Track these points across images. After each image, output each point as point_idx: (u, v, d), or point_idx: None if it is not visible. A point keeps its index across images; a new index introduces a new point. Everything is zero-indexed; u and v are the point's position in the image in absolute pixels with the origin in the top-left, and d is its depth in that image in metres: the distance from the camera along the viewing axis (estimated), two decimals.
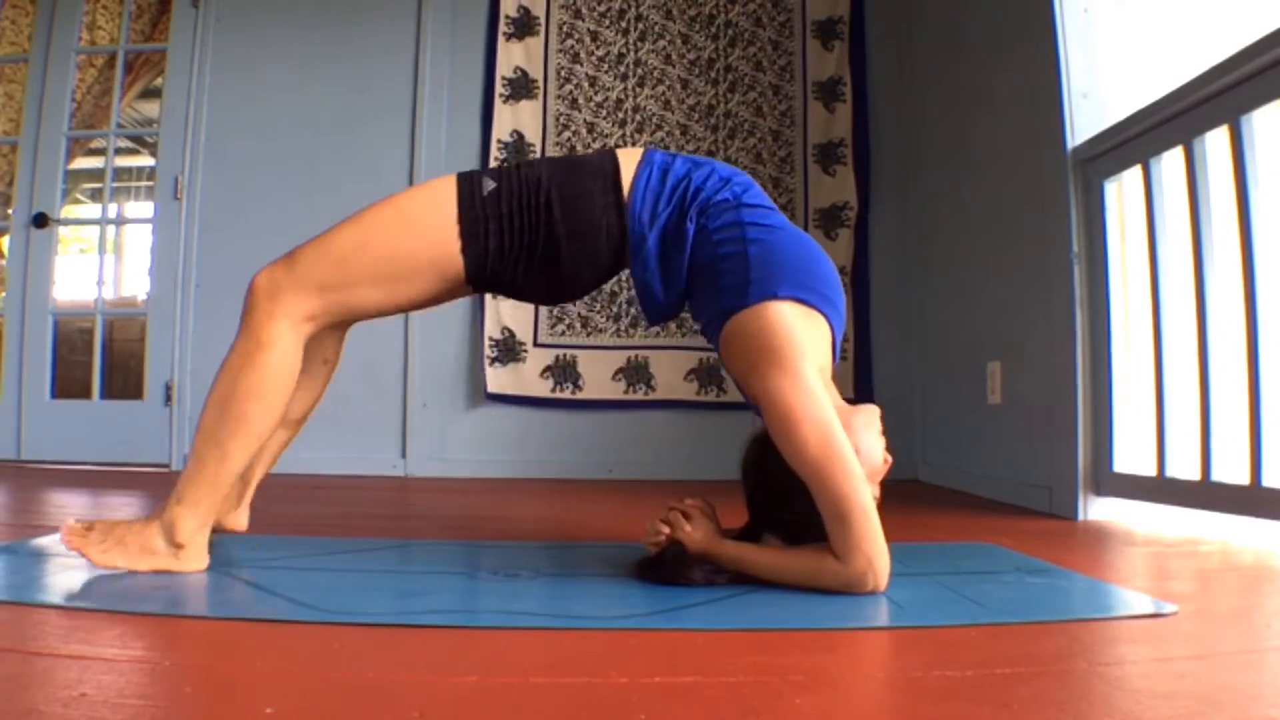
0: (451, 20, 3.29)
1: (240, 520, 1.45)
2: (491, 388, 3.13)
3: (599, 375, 3.17)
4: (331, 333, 1.45)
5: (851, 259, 3.22)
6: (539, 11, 3.28)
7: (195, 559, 1.25)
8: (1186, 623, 1.06)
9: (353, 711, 0.73)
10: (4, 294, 3.42)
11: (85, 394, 3.36)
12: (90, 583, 1.17)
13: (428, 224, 1.27)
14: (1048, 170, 2.22)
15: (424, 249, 1.27)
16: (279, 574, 1.26)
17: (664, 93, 3.28)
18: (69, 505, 2.15)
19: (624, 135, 3.25)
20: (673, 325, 3.15)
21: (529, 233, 1.27)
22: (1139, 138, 1.95)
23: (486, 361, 3.14)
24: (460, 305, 3.11)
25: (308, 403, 1.45)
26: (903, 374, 3.19)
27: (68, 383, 3.57)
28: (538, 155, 3.23)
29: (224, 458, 1.23)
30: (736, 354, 1.25)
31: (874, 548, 1.12)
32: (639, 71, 3.28)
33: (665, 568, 1.21)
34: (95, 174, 6.07)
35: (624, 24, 3.30)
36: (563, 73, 3.27)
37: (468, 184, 1.29)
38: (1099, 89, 2.15)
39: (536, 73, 3.26)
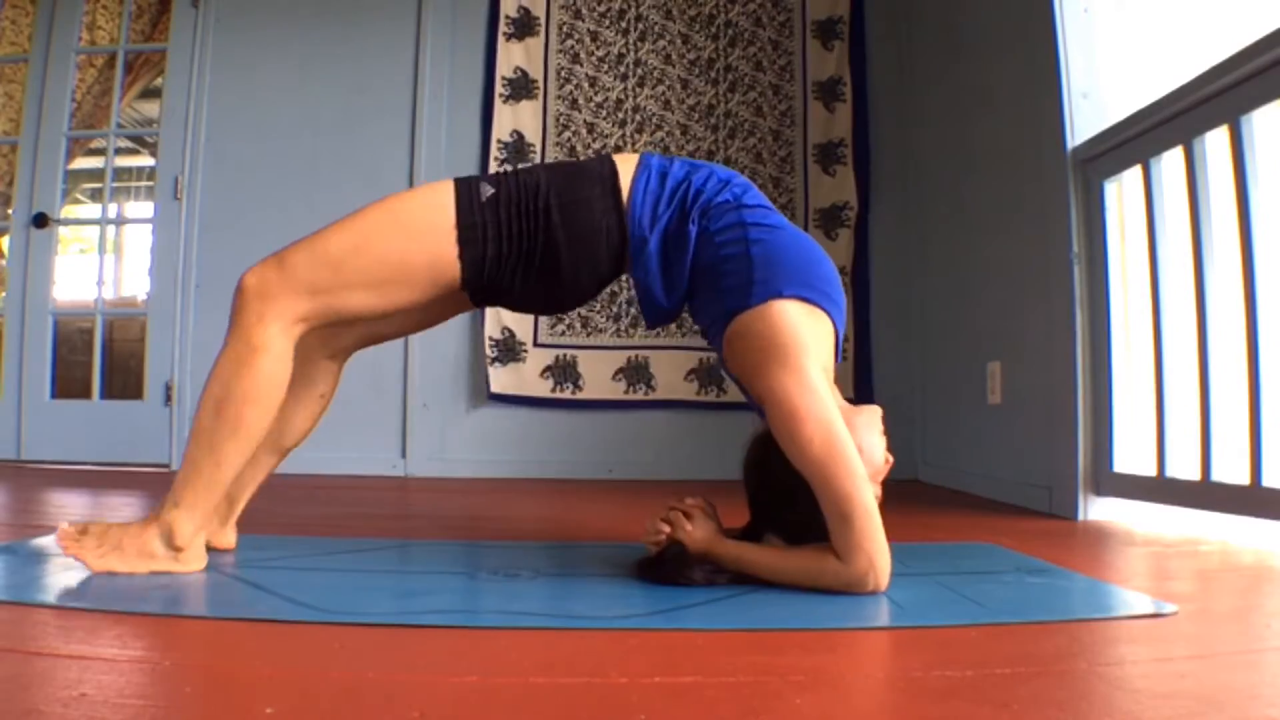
0: (451, 20, 3.29)
1: (229, 538, 1.45)
2: (495, 388, 3.13)
3: (599, 375, 3.17)
4: (329, 363, 1.45)
5: (851, 259, 3.22)
6: (539, 12, 3.28)
7: (194, 560, 1.25)
8: (1186, 623, 1.06)
9: (353, 711, 0.73)
10: (4, 294, 3.42)
11: (85, 394, 3.36)
12: (90, 583, 1.17)
13: (425, 229, 1.26)
14: (1048, 170, 2.22)
15: (420, 254, 1.26)
16: (279, 574, 1.26)
17: (664, 93, 3.28)
18: (69, 505, 2.15)
19: (624, 135, 3.25)
20: (673, 325, 3.15)
21: (528, 239, 1.26)
22: (1139, 138, 1.95)
23: (488, 361, 3.14)
24: None
25: (300, 431, 1.46)
26: (903, 374, 3.19)
27: (68, 383, 3.56)
28: (538, 155, 3.23)
29: (220, 461, 1.23)
30: (741, 354, 1.25)
31: (876, 548, 1.12)
32: (639, 72, 3.28)
33: (665, 568, 1.21)
34: (95, 174, 6.06)
35: (624, 24, 3.30)
36: (563, 73, 3.27)
37: (466, 189, 1.28)
38: (1099, 89, 2.15)
39: (536, 73, 3.26)
